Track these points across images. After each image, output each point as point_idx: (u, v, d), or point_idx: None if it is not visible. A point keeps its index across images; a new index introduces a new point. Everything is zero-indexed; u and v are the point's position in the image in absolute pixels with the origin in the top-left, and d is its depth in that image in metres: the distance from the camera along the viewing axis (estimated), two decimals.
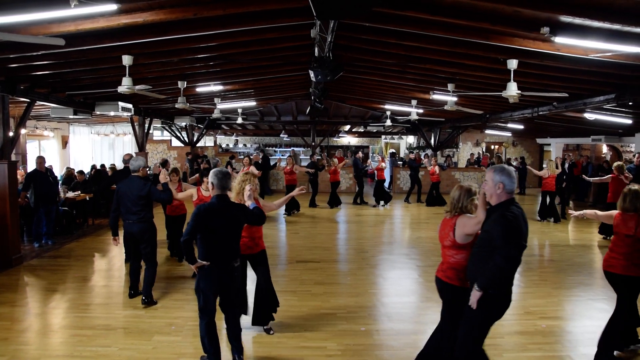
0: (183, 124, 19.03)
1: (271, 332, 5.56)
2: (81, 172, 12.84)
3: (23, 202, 9.71)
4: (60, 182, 12.24)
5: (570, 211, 5.81)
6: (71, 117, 11.94)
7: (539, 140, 23.61)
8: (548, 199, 13.15)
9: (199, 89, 11.73)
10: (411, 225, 13.23)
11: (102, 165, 16.32)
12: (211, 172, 4.61)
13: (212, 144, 24.89)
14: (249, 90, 13.96)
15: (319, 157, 18.01)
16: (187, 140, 20.60)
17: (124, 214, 6.54)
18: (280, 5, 6.37)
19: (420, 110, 14.68)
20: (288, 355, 5.03)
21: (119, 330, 5.66)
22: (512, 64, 7.34)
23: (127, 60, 7.39)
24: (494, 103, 12.74)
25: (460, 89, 10.22)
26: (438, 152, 21.00)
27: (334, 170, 15.61)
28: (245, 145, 30.31)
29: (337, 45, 8.31)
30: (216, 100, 13.30)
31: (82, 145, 21.78)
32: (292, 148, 27.15)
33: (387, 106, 16.15)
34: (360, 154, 17.46)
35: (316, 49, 7.97)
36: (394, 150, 24.92)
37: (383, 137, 29.56)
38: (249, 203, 4.81)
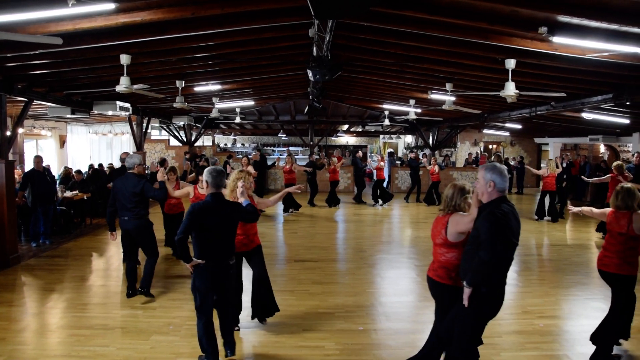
0: (181, 124, 19.01)
1: (264, 322, 5.70)
2: (79, 172, 12.81)
3: (20, 201, 9.69)
4: (57, 182, 12.21)
5: (569, 206, 5.81)
6: (69, 116, 11.93)
7: (537, 140, 23.65)
8: (548, 199, 13.17)
9: (197, 89, 11.73)
10: (409, 225, 13.24)
11: (100, 165, 16.29)
12: (206, 170, 4.62)
13: (210, 144, 24.87)
14: (247, 90, 13.95)
15: (317, 157, 18.02)
16: (185, 140, 20.59)
17: (119, 210, 6.65)
18: (278, 5, 6.38)
19: (419, 110, 14.69)
20: (286, 355, 5.03)
21: (116, 329, 5.65)
22: (510, 63, 7.35)
23: (125, 59, 7.38)
24: (492, 103, 12.75)
25: (459, 89, 10.23)
26: (436, 152, 21.01)
27: (333, 169, 15.66)
28: (243, 144, 30.28)
29: (335, 45, 8.31)
30: (214, 99, 13.28)
31: (80, 145, 21.74)
32: (287, 148, 27.20)
33: (385, 106, 16.16)
34: (360, 153, 17.47)
35: (314, 49, 7.97)
36: (392, 150, 24.94)
37: (381, 136, 29.57)
38: (241, 200, 4.81)
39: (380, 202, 16.21)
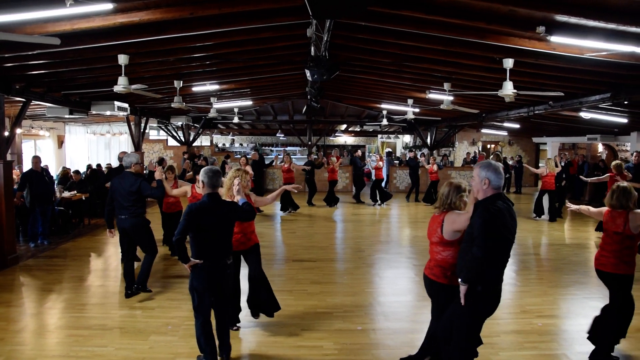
0: (179, 124, 19.01)
1: (257, 317, 5.77)
2: (77, 172, 12.80)
3: (19, 202, 9.68)
4: (56, 182, 12.20)
5: (568, 204, 5.82)
6: (67, 116, 11.91)
7: (535, 139, 23.67)
8: (547, 198, 13.17)
9: (195, 89, 11.72)
10: (408, 225, 13.25)
11: (98, 165, 16.26)
12: (202, 170, 4.63)
13: (209, 144, 24.86)
14: (245, 90, 13.95)
15: (316, 157, 18.03)
16: (183, 140, 20.59)
17: (117, 209, 6.71)
18: (276, 5, 6.37)
19: (417, 110, 14.70)
20: (285, 354, 5.03)
21: (115, 330, 5.64)
22: (508, 63, 7.36)
23: (123, 59, 7.38)
24: (490, 102, 12.76)
25: (457, 88, 10.24)
26: (434, 151, 21.02)
27: (331, 169, 15.68)
28: (241, 144, 30.29)
29: (333, 45, 8.31)
30: (212, 99, 13.29)
31: (78, 145, 21.71)
32: (283, 148, 27.24)
33: (383, 105, 16.17)
34: (359, 153, 17.48)
35: (312, 48, 7.97)
36: (390, 150, 24.95)
37: (379, 136, 29.59)
38: (238, 198, 4.82)
39: (379, 201, 16.22)
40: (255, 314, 5.79)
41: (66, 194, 11.48)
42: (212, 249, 4.48)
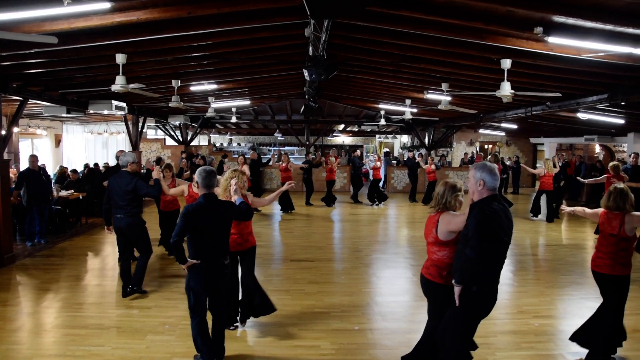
0: (177, 123, 18.99)
1: (244, 324, 5.65)
2: (74, 171, 12.78)
3: (15, 201, 9.66)
4: (53, 181, 12.19)
5: (563, 207, 5.83)
6: (64, 115, 11.90)
7: (533, 140, 23.70)
8: (544, 198, 13.19)
9: (193, 88, 11.71)
10: (405, 225, 13.26)
11: (96, 164, 16.25)
12: (197, 170, 4.63)
13: (206, 143, 24.84)
14: (243, 89, 13.95)
15: (314, 157, 18.03)
16: (180, 139, 20.56)
17: (113, 208, 6.71)
18: (274, 5, 6.37)
19: (414, 110, 14.72)
20: (282, 354, 5.03)
21: (112, 329, 5.63)
22: (506, 63, 7.36)
23: (120, 58, 7.36)
24: (488, 103, 12.77)
25: (454, 89, 10.25)
26: (432, 152, 21.03)
27: (330, 169, 15.69)
28: (239, 144, 30.28)
29: (331, 45, 8.31)
30: (210, 99, 13.27)
31: (75, 144, 21.66)
32: (277, 148, 27.28)
33: (381, 105, 16.19)
34: (358, 153, 17.49)
35: (310, 48, 7.97)
36: (388, 150, 24.96)
37: (377, 136, 29.59)
38: (235, 198, 4.82)
39: (376, 202, 16.22)
40: (243, 320, 5.69)
41: (63, 193, 11.45)
42: (209, 249, 4.48)
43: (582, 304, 6.64)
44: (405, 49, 8.09)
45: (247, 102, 16.52)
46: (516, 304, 6.58)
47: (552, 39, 5.90)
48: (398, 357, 4.65)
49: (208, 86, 11.64)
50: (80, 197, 11.94)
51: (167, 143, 21.39)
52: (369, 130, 24.84)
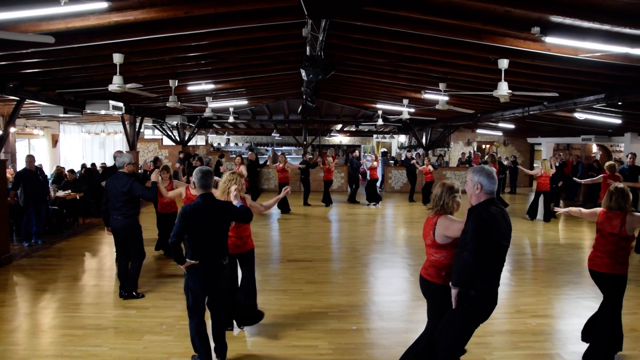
0: (174, 123, 18.94)
1: (242, 328, 5.61)
2: (71, 171, 12.76)
3: (12, 201, 9.63)
4: (50, 181, 12.15)
5: (556, 208, 5.84)
6: (61, 115, 11.87)
7: (530, 140, 23.75)
8: (542, 199, 13.21)
9: (190, 88, 11.69)
10: (403, 225, 13.27)
11: (93, 164, 16.22)
12: (194, 171, 4.63)
13: (204, 143, 24.81)
14: (241, 89, 13.92)
15: (311, 157, 18.03)
16: (178, 139, 20.53)
17: (110, 209, 6.71)
18: (271, 4, 6.36)
19: (412, 110, 14.71)
20: (279, 354, 5.03)
21: (109, 329, 5.63)
22: (503, 63, 7.36)
23: (117, 58, 7.34)
24: (485, 102, 12.78)
25: (452, 89, 10.25)
26: (429, 152, 21.05)
27: (327, 169, 15.70)
28: (236, 144, 30.26)
29: (328, 45, 8.31)
30: (208, 99, 13.25)
31: (72, 144, 21.61)
32: (272, 148, 27.29)
33: (378, 105, 16.18)
34: (356, 153, 17.46)
35: (308, 48, 7.97)
36: (385, 150, 24.96)
37: (374, 136, 29.61)
38: (235, 203, 4.82)
39: (374, 202, 16.22)
40: (240, 325, 5.63)
41: (60, 193, 11.43)
42: (208, 250, 4.48)
43: (579, 303, 6.66)
44: (403, 49, 8.09)
45: (244, 102, 16.50)
46: (513, 304, 6.60)
47: (550, 39, 5.90)
48: (395, 357, 4.65)
49: (205, 86, 11.62)
50: (78, 198, 11.91)
51: (164, 143, 21.36)
52: (366, 130, 24.83)
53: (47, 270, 8.06)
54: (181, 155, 18.05)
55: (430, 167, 16.35)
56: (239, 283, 5.63)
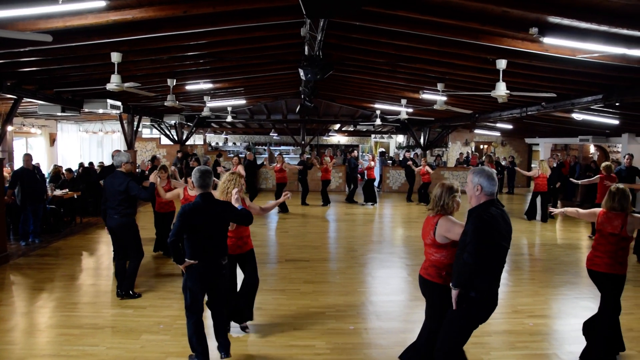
0: (172, 122, 18.93)
1: (247, 330, 5.56)
2: (69, 170, 12.74)
3: (10, 200, 9.61)
4: (47, 180, 12.13)
5: (551, 209, 5.85)
6: (59, 114, 11.84)
7: (528, 140, 23.77)
8: (540, 200, 13.22)
9: (188, 87, 11.69)
10: (401, 224, 13.27)
11: (91, 163, 16.18)
12: (193, 171, 4.63)
13: (202, 142, 24.79)
14: (239, 89, 13.92)
15: (309, 157, 18.03)
16: (176, 139, 20.51)
17: (108, 209, 6.71)
18: (270, 4, 6.37)
19: (410, 110, 14.72)
20: (277, 354, 5.03)
21: (106, 329, 5.62)
22: (501, 64, 7.37)
23: (115, 57, 7.34)
24: (483, 103, 12.80)
25: (450, 89, 10.27)
26: (427, 152, 21.06)
27: (325, 168, 15.70)
28: (235, 143, 30.24)
29: (327, 44, 8.31)
30: (206, 98, 13.24)
31: (70, 143, 21.58)
32: (268, 147, 27.28)
33: (377, 105, 16.19)
34: (355, 153, 17.47)
35: (306, 48, 7.96)
36: (383, 150, 24.97)
37: (373, 136, 29.62)
38: (236, 206, 4.82)
39: (371, 202, 16.23)
40: (240, 322, 5.62)
41: (58, 192, 11.41)
42: (207, 249, 4.47)
43: (576, 303, 6.67)
44: (401, 49, 8.10)
45: (242, 102, 16.49)
46: (511, 304, 6.60)
47: (547, 40, 5.91)
48: (393, 357, 4.65)
49: (204, 85, 11.62)
50: (75, 197, 11.90)
51: (162, 142, 21.34)
52: (364, 130, 24.84)
53: (44, 270, 8.04)
54: (179, 155, 18.04)
55: (427, 168, 16.32)
56: (242, 282, 5.61)
